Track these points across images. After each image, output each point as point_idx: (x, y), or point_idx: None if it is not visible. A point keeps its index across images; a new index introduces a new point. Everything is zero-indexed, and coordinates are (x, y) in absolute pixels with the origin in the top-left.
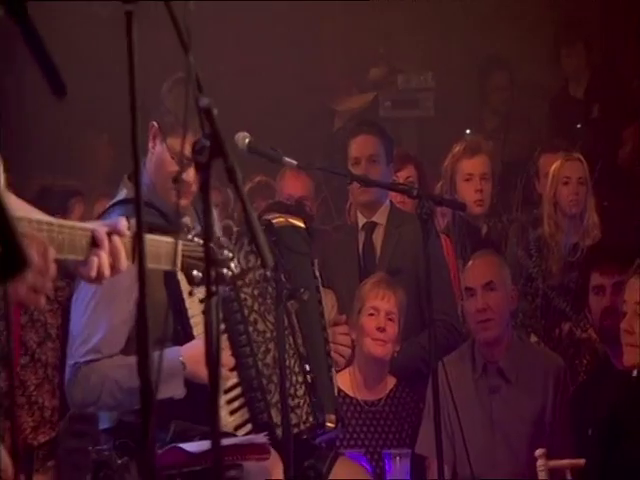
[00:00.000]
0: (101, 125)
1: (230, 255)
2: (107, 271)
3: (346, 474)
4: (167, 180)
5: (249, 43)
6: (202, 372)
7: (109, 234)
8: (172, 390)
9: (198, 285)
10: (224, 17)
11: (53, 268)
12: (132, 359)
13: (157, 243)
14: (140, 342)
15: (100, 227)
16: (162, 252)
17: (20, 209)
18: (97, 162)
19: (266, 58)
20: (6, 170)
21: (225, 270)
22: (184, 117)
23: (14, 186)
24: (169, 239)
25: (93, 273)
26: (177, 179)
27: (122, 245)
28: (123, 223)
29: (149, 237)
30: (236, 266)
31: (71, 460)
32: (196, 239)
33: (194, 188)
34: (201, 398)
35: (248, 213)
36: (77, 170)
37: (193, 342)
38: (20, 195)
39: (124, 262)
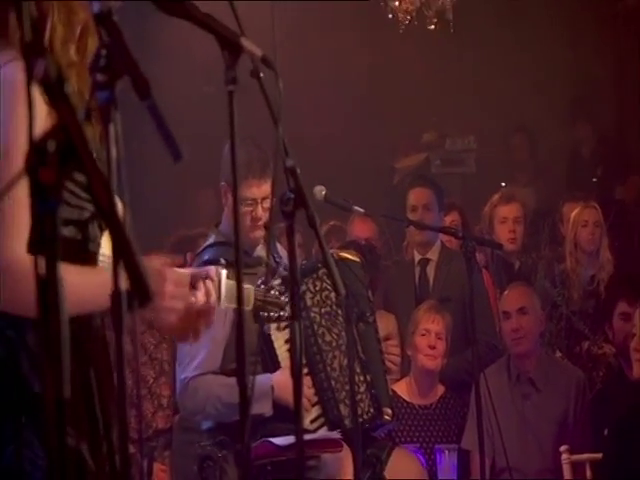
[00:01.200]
0: (206, 182)
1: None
2: (201, 299)
3: (401, 461)
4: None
5: (326, 112)
6: (288, 396)
7: (203, 279)
8: (262, 408)
9: (266, 322)
10: (306, 92)
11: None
12: (232, 380)
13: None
14: (239, 365)
15: (196, 273)
16: (248, 297)
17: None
18: (204, 213)
19: (339, 125)
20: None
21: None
22: (274, 174)
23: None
24: (248, 285)
25: (200, 297)
26: (266, 226)
27: (212, 287)
28: (213, 271)
29: (230, 282)
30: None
31: (182, 451)
32: (276, 284)
33: (262, 222)
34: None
35: (324, 252)
36: (189, 221)
37: (281, 371)
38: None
39: (214, 300)
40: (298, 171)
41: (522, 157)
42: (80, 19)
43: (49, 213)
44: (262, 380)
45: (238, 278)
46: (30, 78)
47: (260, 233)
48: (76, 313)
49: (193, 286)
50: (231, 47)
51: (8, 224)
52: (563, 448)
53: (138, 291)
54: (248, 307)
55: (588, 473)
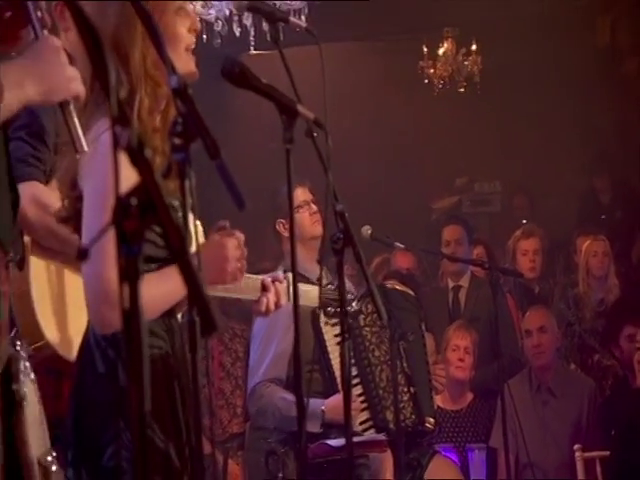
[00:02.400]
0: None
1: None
2: (272, 306)
3: (439, 466)
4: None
5: (372, 161)
6: (338, 417)
7: (273, 281)
8: (312, 427)
9: (332, 317)
10: (354, 143)
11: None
12: (291, 395)
13: (305, 288)
14: (297, 381)
15: (267, 277)
16: (310, 295)
17: None
18: (269, 253)
19: (383, 172)
20: None
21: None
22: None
23: None
24: (312, 287)
25: (263, 308)
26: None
27: (281, 289)
28: (281, 275)
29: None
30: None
31: (253, 447)
32: (330, 286)
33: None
34: None
35: (368, 282)
36: (256, 259)
37: (334, 397)
38: None
39: (284, 300)
40: (346, 214)
41: (523, 216)
42: (164, 92)
43: (132, 256)
44: (315, 403)
45: (294, 279)
46: (117, 145)
47: (319, 227)
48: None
49: (264, 288)
50: (288, 112)
51: (108, 259)
52: (576, 447)
53: (205, 321)
54: (314, 304)
55: (598, 468)
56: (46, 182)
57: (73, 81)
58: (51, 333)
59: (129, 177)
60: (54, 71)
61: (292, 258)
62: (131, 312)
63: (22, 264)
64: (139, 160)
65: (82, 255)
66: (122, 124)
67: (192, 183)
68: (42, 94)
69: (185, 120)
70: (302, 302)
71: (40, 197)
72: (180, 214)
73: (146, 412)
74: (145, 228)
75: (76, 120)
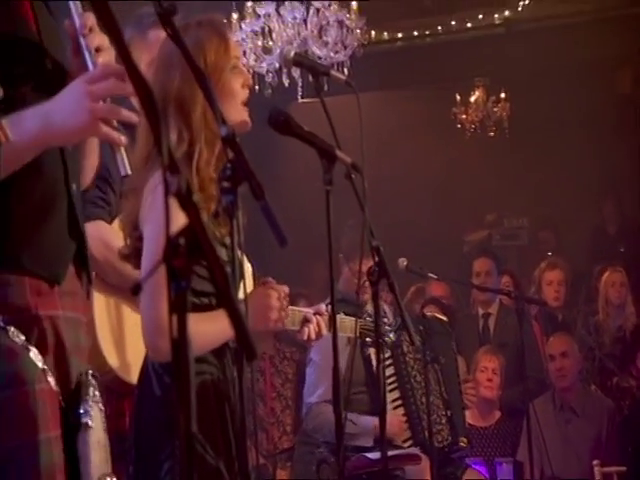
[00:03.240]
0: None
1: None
2: (313, 336)
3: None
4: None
5: (407, 198)
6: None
7: (315, 314)
8: (365, 442)
9: (369, 347)
10: (391, 182)
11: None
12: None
13: (344, 320)
14: (335, 401)
15: (310, 310)
16: (347, 325)
17: None
18: (315, 277)
19: (418, 208)
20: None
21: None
22: (361, 249)
23: None
24: (351, 318)
25: (305, 337)
26: (357, 292)
27: (322, 321)
28: (323, 308)
29: (339, 316)
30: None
31: (302, 459)
32: (369, 319)
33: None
34: None
35: (401, 310)
36: (307, 287)
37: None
38: None
39: (324, 331)
40: (381, 249)
41: (548, 249)
42: (220, 144)
43: (180, 291)
44: (367, 421)
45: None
46: (168, 191)
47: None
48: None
49: (306, 320)
50: (328, 157)
51: (160, 294)
52: (596, 462)
53: (245, 350)
54: (351, 334)
55: None
56: (110, 222)
57: (97, 121)
58: (112, 359)
59: (179, 220)
60: (75, 112)
61: (331, 295)
62: (179, 341)
63: (87, 297)
64: (187, 204)
65: (136, 290)
66: (172, 172)
67: (240, 222)
68: (62, 136)
69: (233, 165)
70: (341, 333)
71: (104, 235)
72: (230, 251)
73: (193, 432)
74: (192, 266)
75: (122, 150)
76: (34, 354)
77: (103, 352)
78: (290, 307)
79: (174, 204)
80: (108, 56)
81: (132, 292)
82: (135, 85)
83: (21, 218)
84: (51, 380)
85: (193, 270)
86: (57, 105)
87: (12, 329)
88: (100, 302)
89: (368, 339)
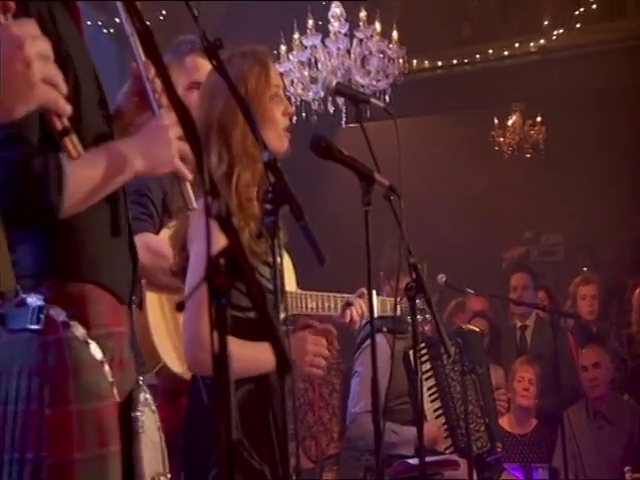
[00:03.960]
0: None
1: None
2: (356, 318)
3: None
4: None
5: (448, 217)
6: (427, 443)
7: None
8: (406, 451)
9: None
10: (432, 202)
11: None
12: (389, 425)
13: (385, 300)
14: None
15: (352, 296)
16: (386, 306)
17: None
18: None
19: (458, 227)
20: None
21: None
22: (399, 266)
23: None
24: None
25: (347, 319)
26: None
27: (364, 304)
28: (364, 291)
29: (379, 298)
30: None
31: (348, 464)
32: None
33: None
34: None
35: (438, 326)
36: None
37: (425, 424)
38: None
39: (365, 314)
40: (419, 266)
41: (583, 264)
42: (260, 168)
43: (220, 307)
44: (408, 431)
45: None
46: (209, 215)
47: None
48: (240, 375)
49: (349, 304)
50: (366, 179)
51: (202, 311)
52: (627, 468)
53: (281, 363)
54: (388, 313)
55: None
56: (155, 233)
57: (176, 157)
58: (167, 356)
59: (220, 241)
60: (161, 149)
61: (370, 312)
62: (220, 356)
63: (141, 305)
64: (227, 226)
65: (179, 307)
66: (213, 196)
67: (281, 242)
68: (149, 170)
69: (274, 189)
70: (380, 312)
71: (151, 244)
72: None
73: (236, 440)
74: (232, 284)
75: (188, 184)
76: (107, 369)
77: (158, 351)
78: (329, 294)
79: (215, 226)
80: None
81: (176, 309)
82: (179, 117)
83: (99, 238)
84: (115, 392)
85: (236, 288)
86: (148, 141)
87: (93, 345)
88: (154, 304)
89: (410, 353)
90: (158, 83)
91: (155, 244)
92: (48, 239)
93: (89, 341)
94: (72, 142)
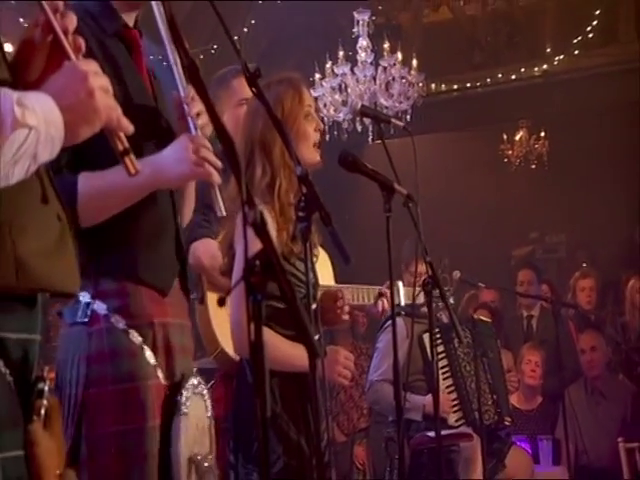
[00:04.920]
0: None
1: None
2: (387, 308)
3: (516, 453)
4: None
5: (461, 223)
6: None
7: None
8: (415, 416)
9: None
10: (445, 210)
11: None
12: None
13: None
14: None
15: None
16: (409, 293)
17: None
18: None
19: (472, 230)
20: None
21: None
22: (416, 264)
23: None
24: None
25: (380, 309)
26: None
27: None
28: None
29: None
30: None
31: (375, 435)
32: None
33: None
34: None
35: (451, 315)
36: None
37: (430, 395)
38: None
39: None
40: (434, 264)
41: (582, 260)
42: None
43: (256, 302)
44: (418, 399)
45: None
46: (245, 222)
47: None
48: (277, 365)
49: (380, 295)
50: (387, 189)
51: (241, 305)
52: (620, 439)
53: (309, 351)
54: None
55: (637, 456)
56: (215, 239)
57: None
58: (225, 342)
59: (256, 245)
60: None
61: (391, 305)
62: (256, 343)
63: (203, 300)
64: (262, 232)
65: (220, 303)
66: (250, 206)
67: (313, 244)
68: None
69: (306, 199)
70: (405, 300)
71: (210, 249)
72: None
73: (267, 417)
74: (266, 282)
75: (217, 190)
76: (149, 353)
77: (217, 337)
78: (363, 286)
79: (251, 232)
80: (205, 119)
81: (218, 304)
82: (222, 140)
83: (139, 239)
84: (160, 375)
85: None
86: (166, 157)
87: (132, 332)
88: (213, 298)
89: (426, 335)
90: (193, 106)
91: (213, 249)
92: (93, 242)
93: (128, 330)
94: (131, 161)
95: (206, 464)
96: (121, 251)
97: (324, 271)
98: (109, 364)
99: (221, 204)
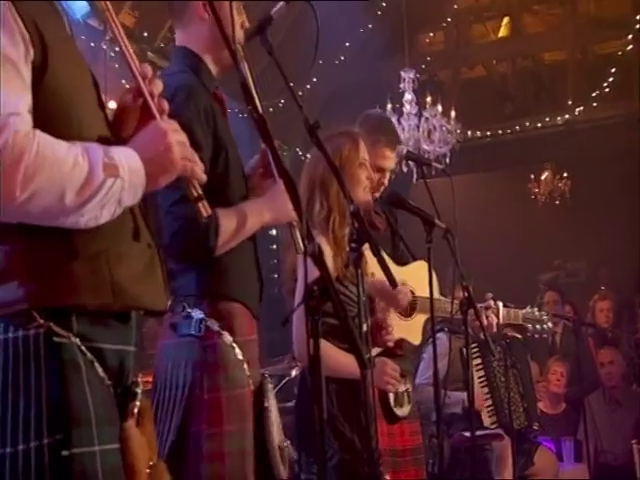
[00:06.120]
0: None
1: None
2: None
3: (542, 452)
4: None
5: (492, 252)
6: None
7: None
8: (455, 409)
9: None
10: (478, 240)
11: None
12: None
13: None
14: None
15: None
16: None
17: None
18: None
19: (505, 258)
20: None
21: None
22: (453, 288)
23: None
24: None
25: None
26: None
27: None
28: (491, 303)
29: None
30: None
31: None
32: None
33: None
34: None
35: (484, 332)
36: None
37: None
38: None
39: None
40: (470, 287)
41: (601, 284)
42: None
43: (314, 322)
44: (458, 395)
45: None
46: (306, 254)
47: None
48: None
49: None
50: (428, 223)
51: (302, 323)
52: (634, 441)
53: (359, 361)
54: (518, 321)
55: None
56: None
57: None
58: None
59: (315, 272)
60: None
61: (431, 319)
62: (314, 356)
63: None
64: (319, 262)
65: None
66: (309, 240)
67: (363, 271)
68: (275, 220)
69: (358, 232)
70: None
71: None
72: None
73: (324, 418)
74: (323, 304)
75: (297, 231)
76: (246, 366)
77: None
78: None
79: (310, 262)
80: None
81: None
82: (286, 184)
83: (242, 270)
84: (251, 383)
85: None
86: (271, 203)
87: (237, 348)
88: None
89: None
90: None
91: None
92: (204, 269)
93: (234, 345)
94: (204, 205)
95: (287, 449)
96: (230, 279)
97: (424, 284)
98: (222, 374)
99: (300, 243)
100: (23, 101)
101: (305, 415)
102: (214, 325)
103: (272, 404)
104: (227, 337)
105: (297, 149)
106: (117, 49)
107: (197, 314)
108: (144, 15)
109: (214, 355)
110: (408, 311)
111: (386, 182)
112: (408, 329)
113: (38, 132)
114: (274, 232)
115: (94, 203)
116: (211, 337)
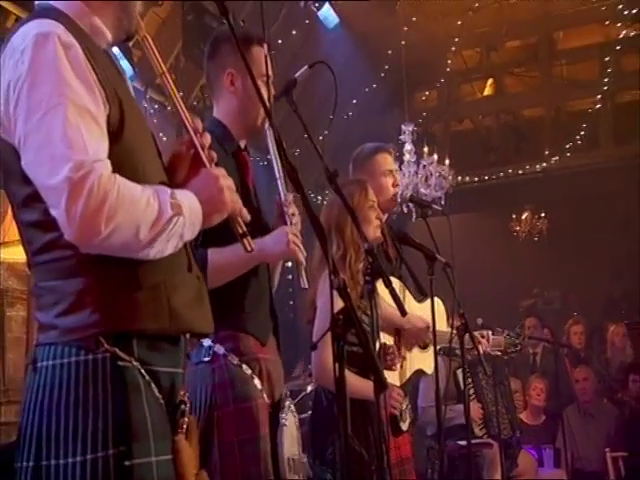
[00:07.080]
0: None
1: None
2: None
3: (524, 457)
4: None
5: (484, 281)
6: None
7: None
8: (458, 421)
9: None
10: (471, 271)
11: None
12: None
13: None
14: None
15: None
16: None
17: None
18: None
19: (489, 287)
20: None
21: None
22: (452, 314)
23: None
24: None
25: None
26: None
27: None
28: (484, 333)
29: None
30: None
31: (418, 444)
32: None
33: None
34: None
35: (479, 354)
36: None
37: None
38: None
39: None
40: (465, 315)
41: (574, 310)
42: (362, 251)
43: (339, 348)
44: (460, 407)
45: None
46: (332, 286)
47: None
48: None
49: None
50: (430, 258)
51: (327, 349)
52: (607, 449)
53: (378, 383)
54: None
55: (620, 463)
56: None
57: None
58: None
59: (338, 303)
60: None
61: (434, 344)
62: (339, 378)
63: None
64: (344, 294)
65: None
66: (335, 274)
67: (376, 302)
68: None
69: (372, 267)
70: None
71: None
72: (370, 318)
73: (347, 431)
74: (347, 332)
75: (303, 268)
76: (257, 381)
77: None
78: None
79: (335, 294)
80: (299, 217)
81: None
82: (314, 225)
83: (246, 301)
84: (265, 397)
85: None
86: (268, 240)
87: (244, 366)
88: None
89: (459, 371)
90: (290, 208)
91: None
92: (212, 302)
93: (241, 364)
94: (248, 240)
95: (299, 461)
96: (233, 309)
97: (438, 319)
98: (230, 390)
99: (305, 278)
100: (102, 149)
101: (319, 428)
102: (220, 349)
103: (289, 420)
104: (233, 358)
105: (309, 191)
106: (156, 106)
107: (207, 342)
108: (180, 77)
109: (221, 375)
110: (423, 344)
111: (398, 182)
112: (424, 360)
113: (118, 176)
114: (289, 264)
115: (162, 237)
116: (217, 360)
